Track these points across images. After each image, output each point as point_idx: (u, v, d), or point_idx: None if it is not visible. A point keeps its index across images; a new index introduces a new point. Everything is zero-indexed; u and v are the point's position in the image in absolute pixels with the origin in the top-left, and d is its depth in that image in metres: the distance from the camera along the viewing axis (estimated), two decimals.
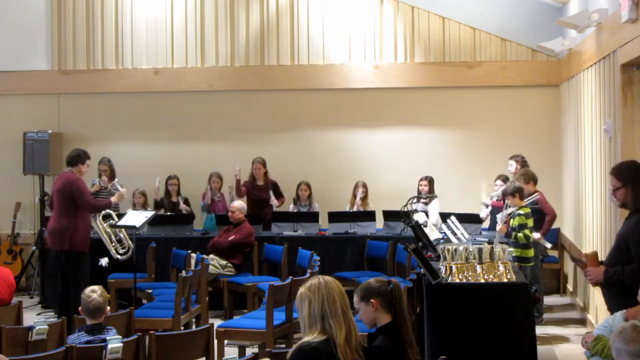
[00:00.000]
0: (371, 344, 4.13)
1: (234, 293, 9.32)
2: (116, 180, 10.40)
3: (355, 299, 4.22)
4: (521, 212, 8.18)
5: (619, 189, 5.23)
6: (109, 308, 5.53)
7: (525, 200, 8.46)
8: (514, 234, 8.08)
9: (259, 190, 10.49)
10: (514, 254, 7.97)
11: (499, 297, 5.93)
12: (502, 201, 9.14)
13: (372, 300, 4.16)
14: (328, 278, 4.01)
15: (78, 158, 8.50)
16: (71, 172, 8.45)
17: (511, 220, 8.20)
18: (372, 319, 4.19)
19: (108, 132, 11.30)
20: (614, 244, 5.38)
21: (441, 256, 6.27)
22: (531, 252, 8.24)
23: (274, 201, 10.40)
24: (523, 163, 9.59)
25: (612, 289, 5.20)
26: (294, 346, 3.97)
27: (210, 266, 8.98)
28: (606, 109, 7.49)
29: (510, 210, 8.27)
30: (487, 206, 9.98)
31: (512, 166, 9.61)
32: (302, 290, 3.99)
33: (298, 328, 7.30)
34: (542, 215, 8.86)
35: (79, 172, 8.50)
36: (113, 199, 8.96)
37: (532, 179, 8.97)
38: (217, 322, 7.10)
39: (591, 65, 8.23)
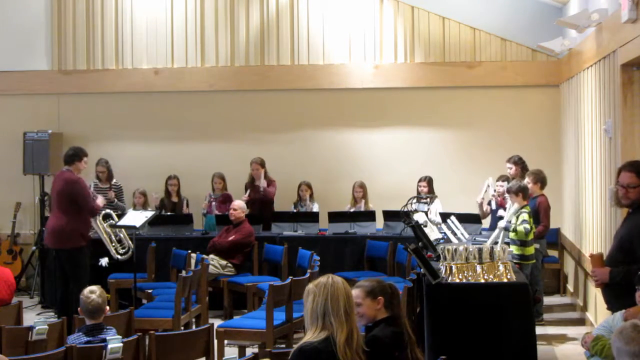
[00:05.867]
0: (369, 334, 4.19)
1: (234, 293, 9.32)
2: (114, 180, 10.43)
3: (360, 294, 4.27)
4: (525, 210, 8.15)
5: (636, 188, 5.10)
6: (108, 308, 5.53)
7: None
8: (513, 226, 8.01)
9: (257, 191, 10.48)
10: (514, 252, 7.96)
11: (499, 297, 5.93)
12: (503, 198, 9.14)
13: (379, 297, 4.26)
14: (337, 278, 4.06)
15: (75, 156, 8.44)
16: (69, 171, 8.40)
17: (514, 218, 8.16)
18: (374, 316, 4.28)
19: (108, 132, 11.29)
20: (616, 244, 5.34)
21: (441, 256, 6.27)
22: (531, 250, 8.20)
23: (263, 183, 10.35)
24: (521, 164, 9.52)
25: (613, 290, 5.19)
26: (295, 346, 3.99)
27: (210, 266, 8.98)
28: (606, 109, 7.49)
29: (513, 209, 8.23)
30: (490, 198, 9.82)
31: (512, 169, 9.54)
32: (309, 285, 4.06)
33: (298, 328, 7.35)
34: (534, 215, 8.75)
35: (77, 170, 8.46)
36: (99, 201, 8.70)
37: (541, 181, 8.89)
38: (217, 322, 7.11)
39: (591, 65, 8.23)
